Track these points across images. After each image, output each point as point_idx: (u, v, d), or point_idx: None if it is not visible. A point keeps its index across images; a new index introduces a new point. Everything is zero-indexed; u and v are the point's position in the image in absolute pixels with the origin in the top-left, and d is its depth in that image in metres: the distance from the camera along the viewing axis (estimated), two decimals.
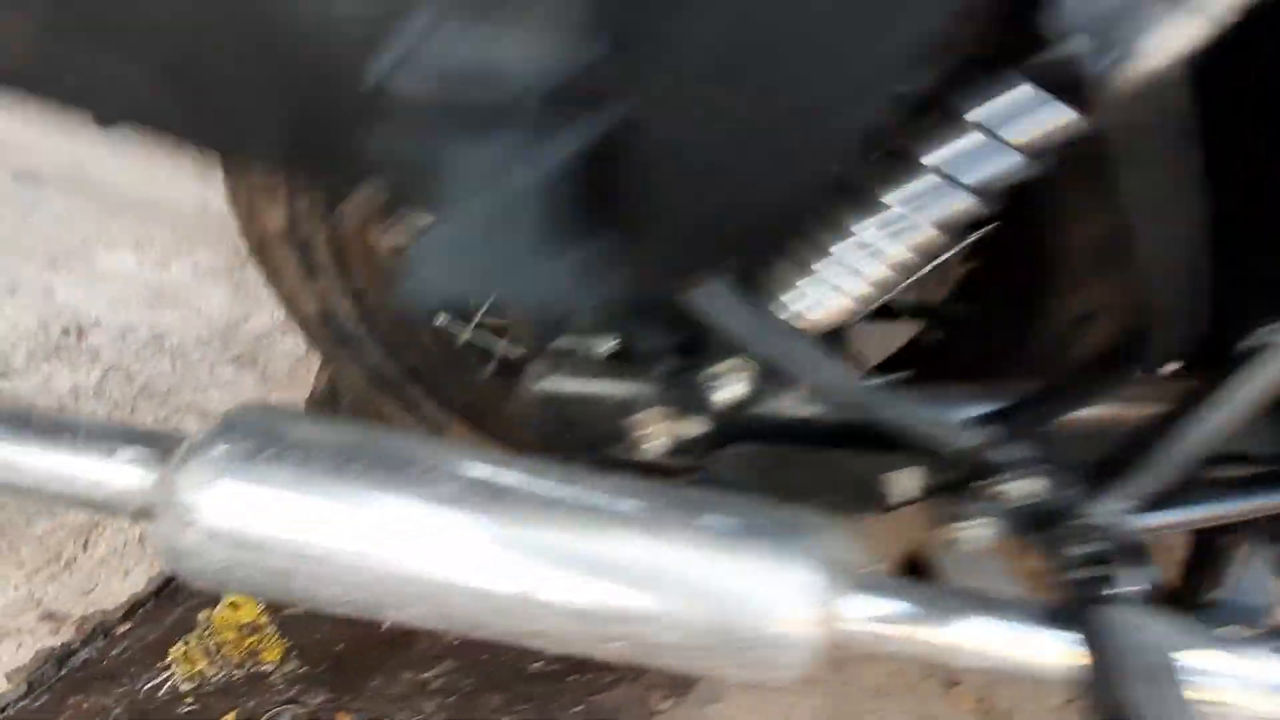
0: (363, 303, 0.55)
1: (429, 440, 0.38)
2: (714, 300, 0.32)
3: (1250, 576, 0.47)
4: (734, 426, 0.41)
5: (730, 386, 0.36)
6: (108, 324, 0.77)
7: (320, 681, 0.66)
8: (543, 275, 0.28)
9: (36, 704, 0.62)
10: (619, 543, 0.33)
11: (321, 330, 0.56)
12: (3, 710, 0.61)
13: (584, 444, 0.43)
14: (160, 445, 0.35)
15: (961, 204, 0.29)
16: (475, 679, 0.68)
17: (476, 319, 0.65)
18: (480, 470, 0.35)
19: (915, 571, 0.46)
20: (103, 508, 0.35)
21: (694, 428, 0.42)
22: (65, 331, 0.74)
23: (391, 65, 0.23)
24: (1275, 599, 0.47)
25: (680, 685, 0.68)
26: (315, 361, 0.83)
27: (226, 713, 0.63)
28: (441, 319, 0.61)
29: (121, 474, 0.34)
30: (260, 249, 0.50)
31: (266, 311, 0.83)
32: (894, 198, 0.31)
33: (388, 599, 0.33)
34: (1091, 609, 0.34)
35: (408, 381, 0.61)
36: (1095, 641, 0.33)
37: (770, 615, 0.34)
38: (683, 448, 0.42)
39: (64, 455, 0.34)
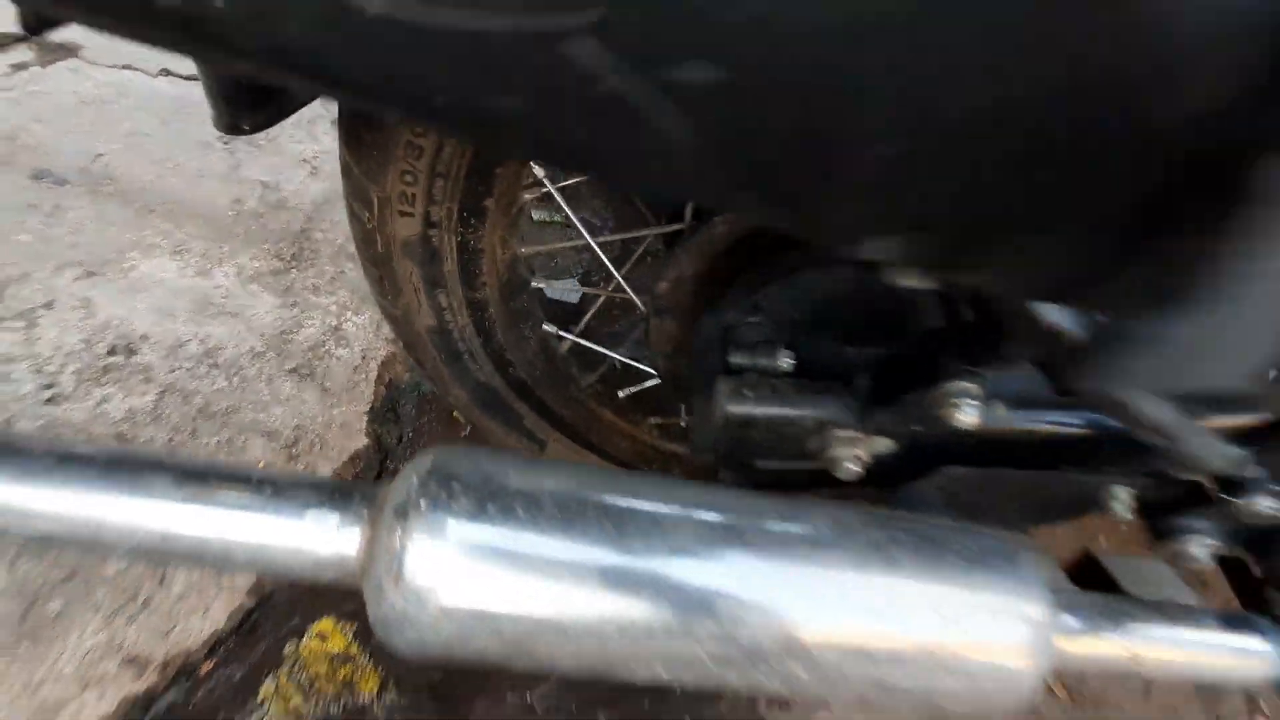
0: (483, 315, 0.51)
1: (642, 478, 0.35)
2: None
3: None
4: (928, 447, 0.39)
5: (969, 407, 0.34)
6: (155, 339, 0.71)
7: (422, 710, 0.63)
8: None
9: None
10: (882, 583, 0.31)
11: (432, 345, 0.52)
12: None
13: (767, 464, 0.41)
14: (353, 498, 0.31)
15: None
16: (579, 696, 0.66)
17: (581, 326, 0.62)
18: (712, 512, 0.32)
19: (1086, 580, 0.45)
20: (302, 578, 0.32)
21: (888, 447, 0.39)
22: (112, 350, 0.68)
23: None
24: None
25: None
26: (371, 371, 0.78)
27: None
28: (549, 326, 0.58)
29: (323, 538, 0.30)
30: (380, 259, 0.46)
31: (318, 319, 0.78)
32: None
33: (638, 657, 0.31)
34: None
35: (514, 396, 0.58)
36: None
37: (1009, 648, 0.33)
38: (876, 469, 0.40)
39: (253, 515, 0.30)
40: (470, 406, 0.58)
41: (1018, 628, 0.33)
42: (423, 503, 0.29)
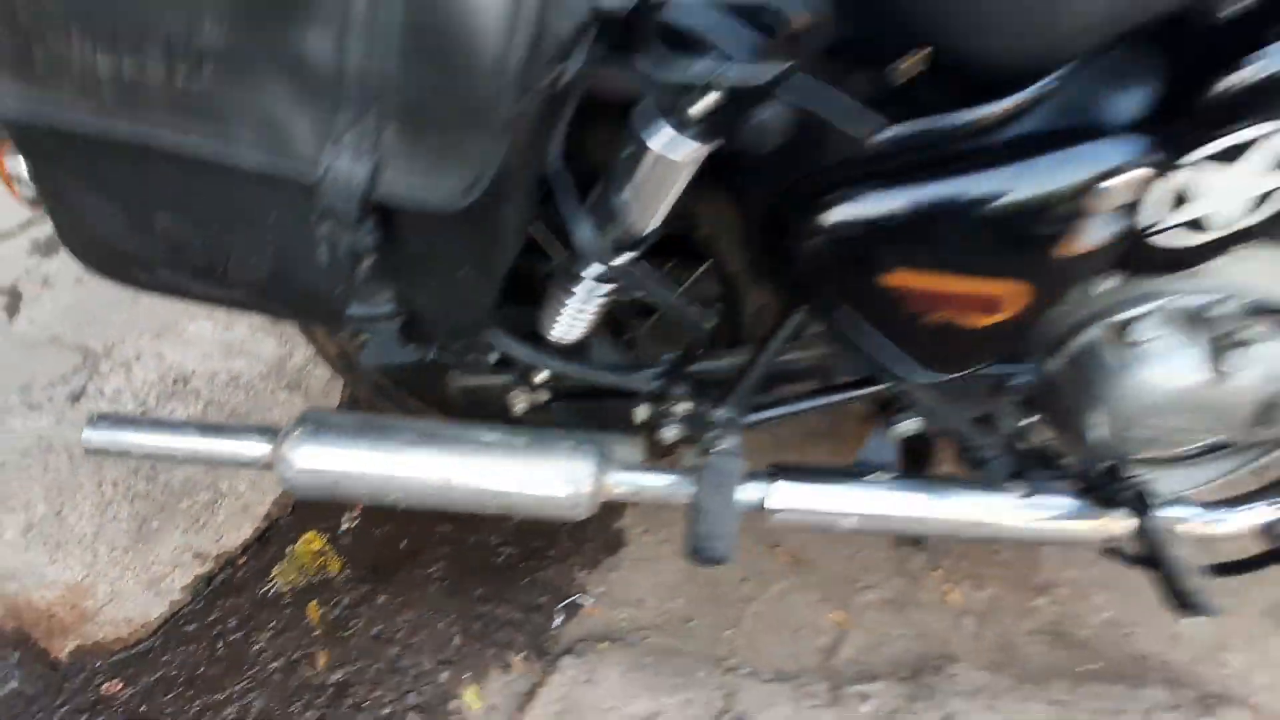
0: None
1: (402, 418, 0.76)
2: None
3: (877, 439, 0.83)
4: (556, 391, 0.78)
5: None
6: (200, 372, 1.16)
7: (365, 580, 1.05)
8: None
9: (198, 607, 1.02)
10: (498, 457, 0.71)
11: (340, 363, 0.94)
12: (179, 613, 1.01)
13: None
14: (271, 432, 0.73)
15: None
16: (462, 569, 1.06)
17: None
18: (428, 430, 0.72)
19: None
20: (245, 465, 0.74)
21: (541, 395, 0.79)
22: (175, 380, 1.14)
23: None
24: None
25: (591, 560, 1.06)
26: (339, 383, 1.22)
27: (310, 602, 1.03)
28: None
29: (253, 448, 0.72)
30: (306, 330, 0.88)
31: (301, 351, 1.22)
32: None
33: (393, 490, 0.71)
34: (705, 460, 0.71)
35: (394, 388, 0.99)
36: (702, 477, 0.69)
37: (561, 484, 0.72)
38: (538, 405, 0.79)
39: (224, 441, 0.72)
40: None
41: (561, 472, 0.72)
42: (292, 429, 0.71)
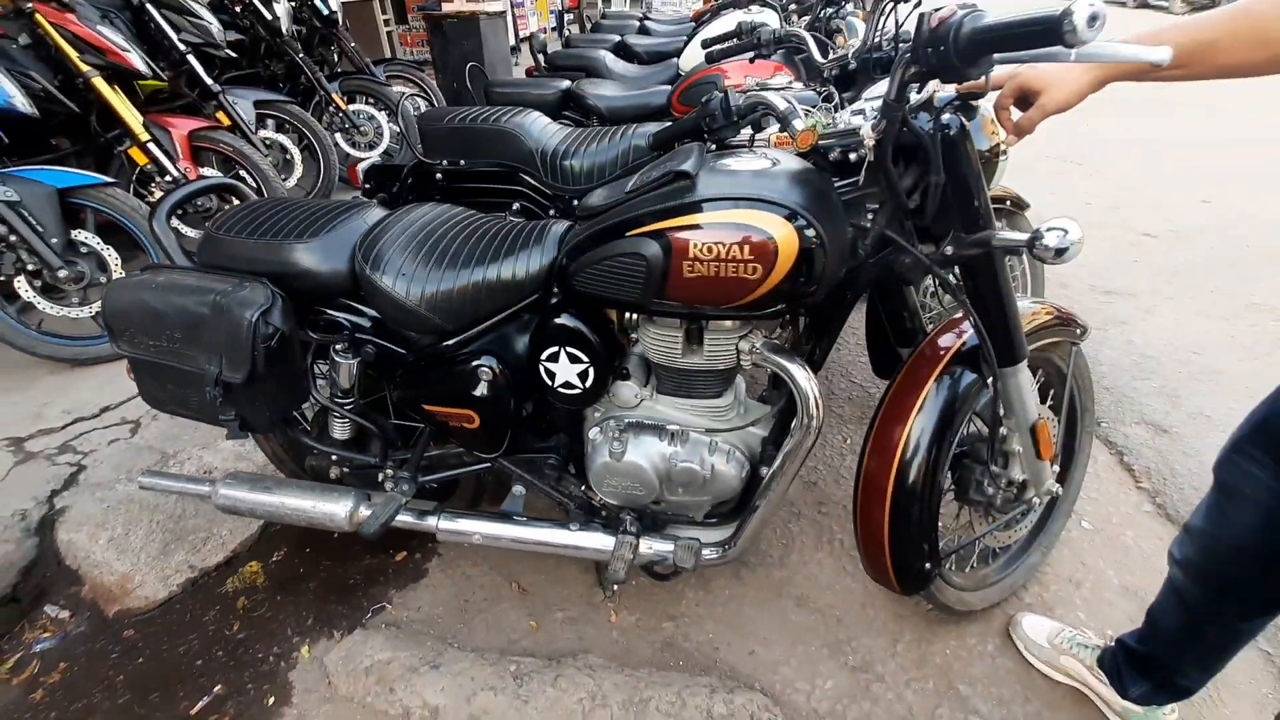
0: None
1: (273, 477, 1.56)
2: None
3: (512, 495, 1.54)
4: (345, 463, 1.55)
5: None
6: (221, 466, 2.03)
7: (273, 590, 1.79)
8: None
9: (184, 595, 1.79)
10: (307, 496, 1.48)
11: (271, 455, 1.77)
12: (173, 597, 1.79)
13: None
14: (210, 480, 1.54)
15: None
16: (328, 585, 1.78)
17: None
18: (274, 483, 1.51)
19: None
20: (192, 496, 1.55)
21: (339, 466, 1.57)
22: (206, 470, 2.01)
23: None
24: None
25: (401, 582, 1.74)
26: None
27: (240, 598, 1.77)
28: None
29: (200, 489, 1.53)
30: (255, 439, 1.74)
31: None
32: None
33: (258, 510, 1.48)
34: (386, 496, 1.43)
35: (286, 459, 1.80)
36: (383, 504, 1.42)
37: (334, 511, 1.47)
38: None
39: (191, 485, 1.54)
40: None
41: (334, 505, 1.48)
42: (220, 482, 1.52)
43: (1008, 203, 2.01)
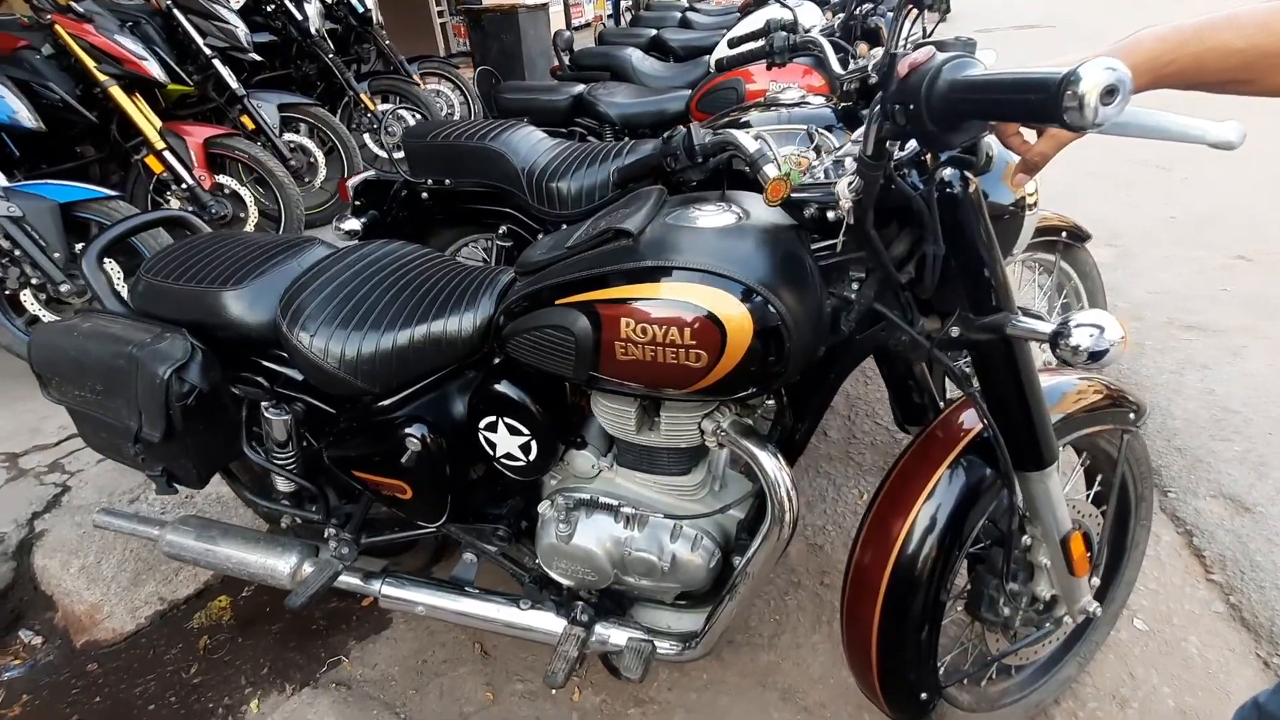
0: None
1: (226, 525, 1.48)
2: None
3: (464, 561, 1.40)
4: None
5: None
6: (198, 501, 1.99)
7: (237, 629, 1.73)
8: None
9: (150, 629, 1.75)
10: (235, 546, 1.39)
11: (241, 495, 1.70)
12: (140, 630, 1.75)
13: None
14: (160, 524, 1.47)
15: None
16: (291, 629, 1.70)
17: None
18: (223, 531, 1.43)
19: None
20: (144, 538, 1.48)
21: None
22: (188, 497, 1.97)
23: None
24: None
25: (361, 634, 1.64)
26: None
27: (203, 637, 1.71)
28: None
29: (150, 532, 1.46)
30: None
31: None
32: None
33: (204, 561, 1.41)
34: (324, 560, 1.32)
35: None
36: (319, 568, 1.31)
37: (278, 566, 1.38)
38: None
39: (155, 529, 1.48)
40: None
41: (280, 560, 1.38)
42: (169, 527, 1.45)
43: (1063, 234, 1.72)
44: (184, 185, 2.68)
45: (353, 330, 1.08)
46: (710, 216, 0.93)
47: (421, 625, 1.66)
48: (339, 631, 1.67)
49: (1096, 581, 1.16)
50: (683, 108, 2.39)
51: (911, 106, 0.61)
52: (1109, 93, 0.44)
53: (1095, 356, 0.74)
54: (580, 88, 2.47)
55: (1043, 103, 0.48)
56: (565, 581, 1.24)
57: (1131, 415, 1.14)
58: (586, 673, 1.51)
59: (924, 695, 1.09)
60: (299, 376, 1.21)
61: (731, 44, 2.20)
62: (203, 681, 1.60)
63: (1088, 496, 1.27)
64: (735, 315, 0.82)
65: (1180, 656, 1.46)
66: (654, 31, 3.86)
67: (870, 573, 1.06)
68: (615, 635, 1.24)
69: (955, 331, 0.87)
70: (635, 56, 3.09)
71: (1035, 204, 0.96)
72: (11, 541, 1.80)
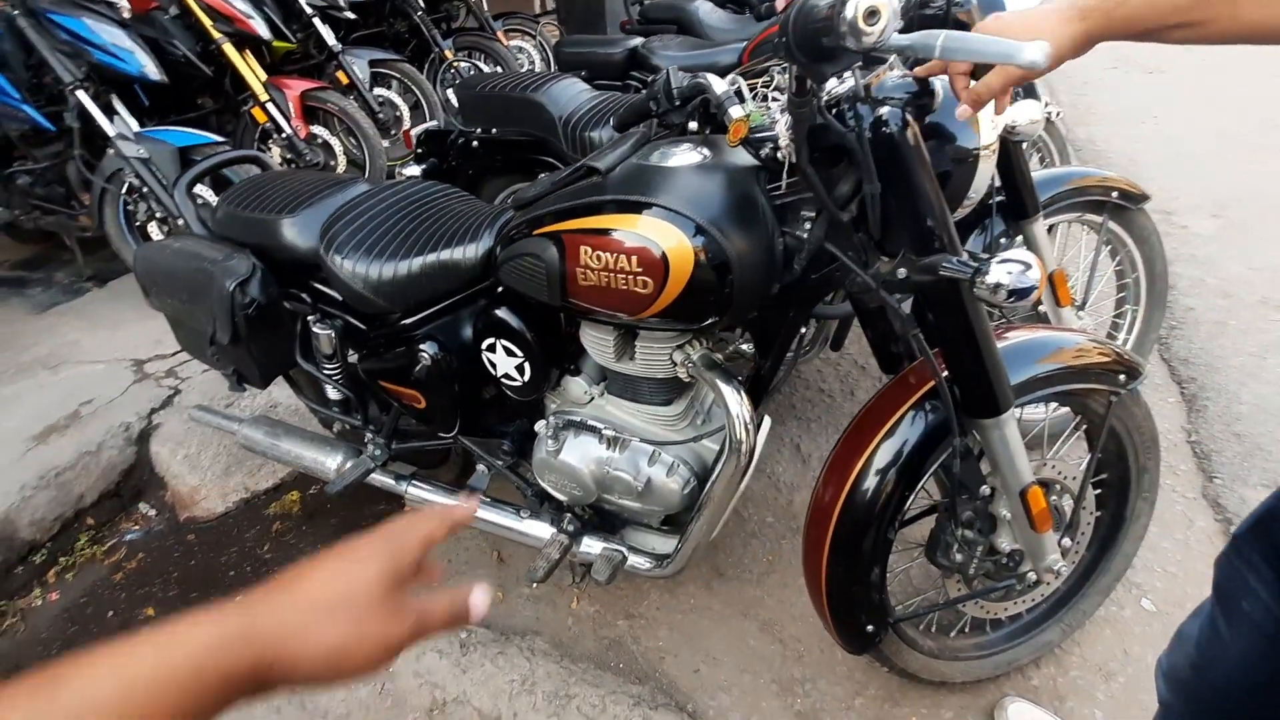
0: None
1: (287, 426, 1.73)
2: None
3: (477, 474, 1.57)
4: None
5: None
6: (283, 404, 2.29)
7: (303, 521, 2.01)
8: None
9: (238, 510, 2.07)
10: (311, 446, 1.62)
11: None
12: (229, 511, 2.07)
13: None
14: (240, 420, 1.74)
15: None
16: (346, 519, 1.97)
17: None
18: (286, 430, 1.66)
19: None
20: (227, 432, 1.75)
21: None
22: (271, 408, 2.28)
23: None
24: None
25: None
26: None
27: (275, 522, 2.01)
28: None
29: (230, 426, 1.73)
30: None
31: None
32: None
33: (270, 453, 1.66)
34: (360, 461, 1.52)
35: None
36: (355, 465, 1.50)
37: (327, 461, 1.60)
38: None
39: (229, 421, 1.75)
40: None
41: (329, 456, 1.61)
42: (248, 421, 1.71)
43: (1114, 194, 1.61)
44: (283, 134, 2.98)
45: (376, 256, 1.24)
46: (679, 157, 0.99)
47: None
48: None
49: (1068, 542, 1.15)
50: (735, 60, 2.38)
51: (784, 39, 0.64)
52: (870, 14, 0.47)
53: (1017, 295, 0.75)
54: (637, 41, 2.51)
55: (828, 29, 0.51)
56: (557, 494, 1.38)
57: (1122, 378, 1.11)
58: (585, 587, 1.66)
59: (870, 628, 1.14)
60: (339, 296, 1.40)
61: None
62: (273, 558, 1.89)
63: (1084, 464, 1.24)
64: (679, 247, 0.89)
65: None
66: None
67: (826, 507, 1.12)
68: (596, 546, 1.37)
69: (901, 273, 0.90)
70: (704, 9, 3.06)
71: (993, 150, 0.94)
72: (134, 431, 2.17)
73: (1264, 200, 2.99)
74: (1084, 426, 1.23)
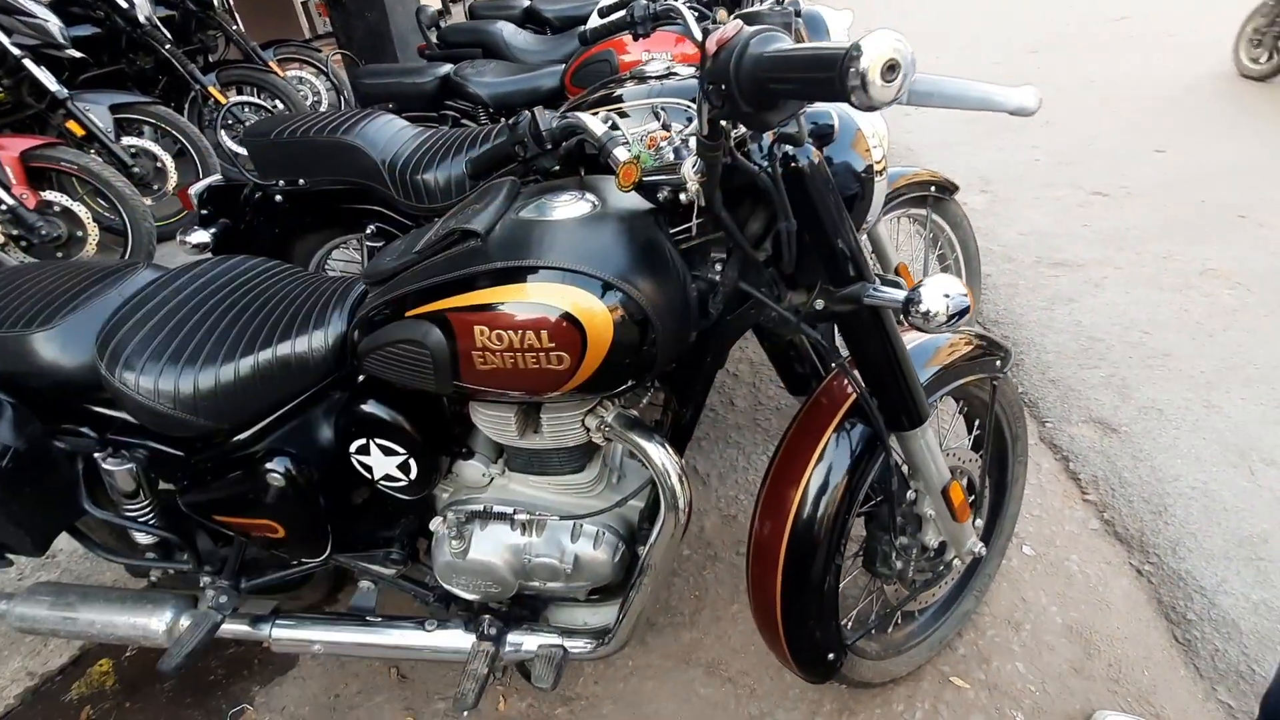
0: None
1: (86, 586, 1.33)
2: None
3: (361, 592, 1.31)
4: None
5: None
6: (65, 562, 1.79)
7: (123, 693, 1.57)
8: None
9: (21, 708, 1.57)
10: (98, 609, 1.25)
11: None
12: (9, 713, 1.56)
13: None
14: (6, 596, 1.31)
15: None
16: (184, 684, 1.57)
17: None
18: (78, 593, 1.28)
19: None
20: None
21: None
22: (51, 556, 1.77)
23: None
24: None
25: (265, 677, 1.53)
26: None
27: (85, 707, 1.55)
28: None
29: (1, 606, 1.29)
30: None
31: None
32: None
33: (63, 630, 1.26)
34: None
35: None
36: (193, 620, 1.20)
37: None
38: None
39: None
40: None
41: (151, 617, 1.25)
42: (15, 599, 1.28)
43: (932, 188, 1.78)
44: (3, 207, 2.36)
45: (185, 364, 0.97)
46: (565, 207, 0.88)
47: (330, 659, 1.57)
48: (239, 678, 1.56)
49: (980, 523, 1.22)
50: (557, 84, 2.30)
51: (724, 86, 0.58)
52: (890, 69, 0.43)
53: (956, 317, 0.75)
54: (447, 68, 2.33)
55: (830, 81, 0.46)
56: (468, 596, 1.19)
57: (998, 363, 1.20)
58: (511, 680, 1.47)
59: (831, 655, 1.12)
60: (136, 420, 1.08)
61: (602, 13, 2.12)
62: None
63: (969, 444, 1.33)
64: (594, 312, 0.78)
65: (1064, 575, 1.58)
66: (527, 2, 3.70)
67: (770, 542, 1.07)
68: (527, 642, 1.21)
69: (819, 304, 0.87)
70: (507, 30, 2.94)
71: (884, 169, 0.96)
72: None
73: (1012, 172, 3.56)
74: (964, 410, 1.31)
